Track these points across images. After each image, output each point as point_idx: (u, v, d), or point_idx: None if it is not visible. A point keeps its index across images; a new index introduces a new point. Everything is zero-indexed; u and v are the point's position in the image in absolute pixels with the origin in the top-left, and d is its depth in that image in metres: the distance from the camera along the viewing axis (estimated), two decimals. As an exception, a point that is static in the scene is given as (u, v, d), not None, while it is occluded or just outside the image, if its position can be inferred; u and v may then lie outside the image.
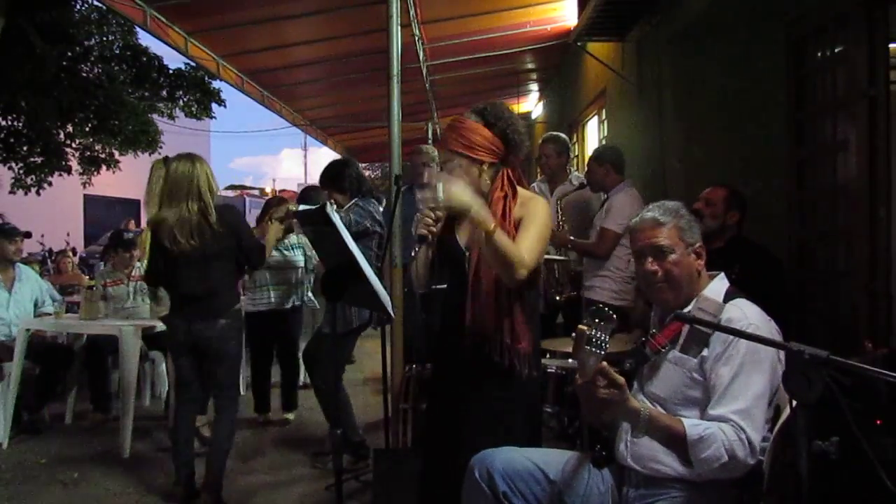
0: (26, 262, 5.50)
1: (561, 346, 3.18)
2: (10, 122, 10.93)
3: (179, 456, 3.34)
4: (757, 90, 3.80)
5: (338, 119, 10.03)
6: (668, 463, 1.77)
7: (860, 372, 1.31)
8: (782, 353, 1.68)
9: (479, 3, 6.12)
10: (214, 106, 12.81)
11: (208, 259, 3.17)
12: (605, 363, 1.59)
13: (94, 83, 11.12)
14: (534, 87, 10.42)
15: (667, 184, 4.79)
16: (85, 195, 19.46)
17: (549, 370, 2.85)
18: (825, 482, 1.43)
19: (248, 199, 22.33)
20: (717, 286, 1.90)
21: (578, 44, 6.12)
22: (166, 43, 5.58)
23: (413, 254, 2.32)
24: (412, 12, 5.53)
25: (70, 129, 11.57)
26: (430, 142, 9.24)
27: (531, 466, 1.95)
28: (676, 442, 1.72)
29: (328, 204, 2.54)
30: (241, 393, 4.90)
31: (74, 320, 4.57)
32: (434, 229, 2.12)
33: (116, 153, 12.46)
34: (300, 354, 4.71)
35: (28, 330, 4.39)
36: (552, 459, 1.99)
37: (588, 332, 1.56)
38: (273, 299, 4.63)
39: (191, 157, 3.25)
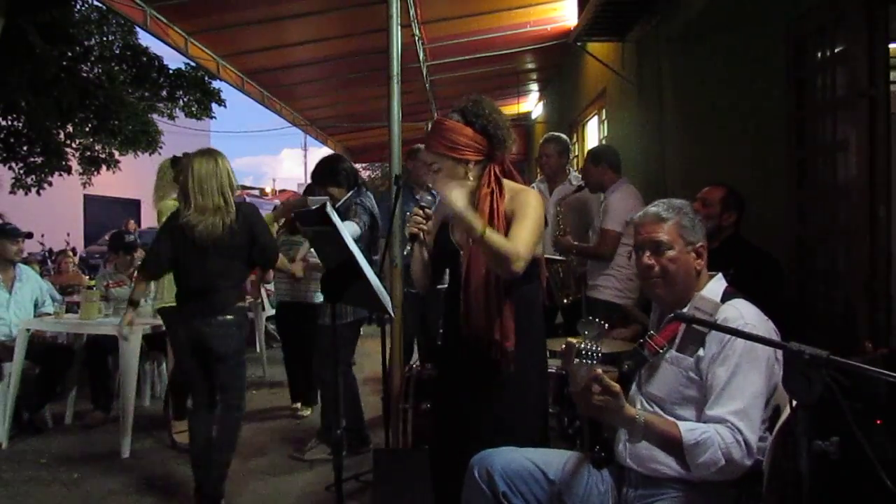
0: (26, 262, 5.50)
1: (561, 346, 3.17)
2: (10, 122, 10.92)
3: (194, 460, 3.24)
4: (757, 90, 3.80)
5: (338, 119, 10.02)
6: (667, 463, 1.77)
7: (860, 372, 1.31)
8: (779, 353, 1.69)
9: (479, 3, 6.12)
10: (214, 106, 12.79)
11: (217, 254, 3.15)
12: (599, 370, 1.59)
13: (94, 83, 11.10)
14: (534, 87, 10.41)
15: (667, 184, 4.79)
16: (85, 195, 19.47)
17: (549, 370, 2.84)
18: (825, 482, 1.42)
19: (247, 198, 22.37)
20: (715, 286, 1.90)
21: (578, 44, 6.12)
22: (166, 43, 5.58)
23: (405, 253, 2.34)
24: (412, 12, 5.53)
25: (70, 129, 11.55)
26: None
27: (531, 466, 1.95)
28: (673, 447, 1.71)
29: (328, 204, 2.53)
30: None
31: (74, 320, 4.58)
32: (425, 227, 2.15)
33: (116, 153, 12.45)
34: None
35: (28, 330, 4.39)
36: (552, 459, 1.99)
37: (578, 345, 1.57)
38: (307, 291, 4.67)
39: (212, 154, 3.25)
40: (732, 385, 1.71)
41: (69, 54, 10.76)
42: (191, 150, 3.48)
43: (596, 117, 7.60)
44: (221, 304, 3.20)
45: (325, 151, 12.58)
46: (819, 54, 3.24)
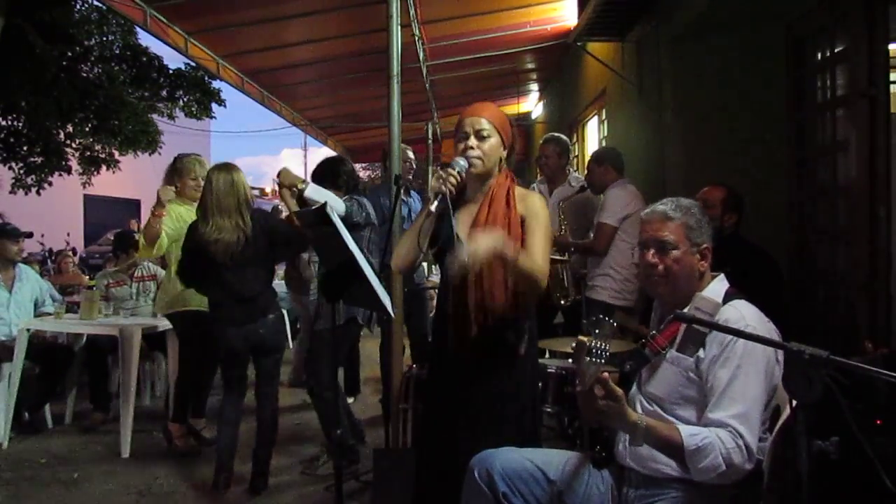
0: (26, 262, 5.50)
1: (561, 347, 3.17)
2: (10, 122, 10.93)
3: (220, 442, 3.46)
4: (757, 90, 3.80)
5: (338, 119, 10.02)
6: (667, 463, 1.77)
7: (860, 372, 1.31)
8: (780, 355, 1.69)
9: (479, 3, 6.12)
10: (214, 106, 12.80)
11: (248, 264, 3.34)
12: (605, 373, 1.59)
13: (94, 83, 11.12)
14: (534, 87, 10.41)
15: (667, 184, 4.79)
16: (85, 195, 19.49)
17: (549, 370, 2.84)
18: (825, 482, 1.42)
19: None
20: (717, 287, 1.90)
21: (578, 44, 6.12)
22: (166, 43, 5.58)
23: (415, 216, 2.25)
24: (412, 12, 5.52)
25: (70, 129, 11.56)
26: (429, 142, 9.25)
27: (531, 467, 1.95)
28: (674, 451, 1.71)
29: (328, 204, 2.53)
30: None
31: (74, 320, 4.58)
32: (454, 186, 2.04)
33: (116, 153, 12.46)
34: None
35: (28, 330, 4.39)
36: (552, 460, 1.99)
37: (588, 343, 1.57)
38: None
39: (229, 169, 3.40)
40: (733, 388, 1.70)
41: (69, 54, 10.77)
42: (191, 151, 3.48)
43: (596, 117, 7.60)
44: (266, 305, 3.42)
45: (325, 151, 12.59)
46: (819, 54, 3.24)
